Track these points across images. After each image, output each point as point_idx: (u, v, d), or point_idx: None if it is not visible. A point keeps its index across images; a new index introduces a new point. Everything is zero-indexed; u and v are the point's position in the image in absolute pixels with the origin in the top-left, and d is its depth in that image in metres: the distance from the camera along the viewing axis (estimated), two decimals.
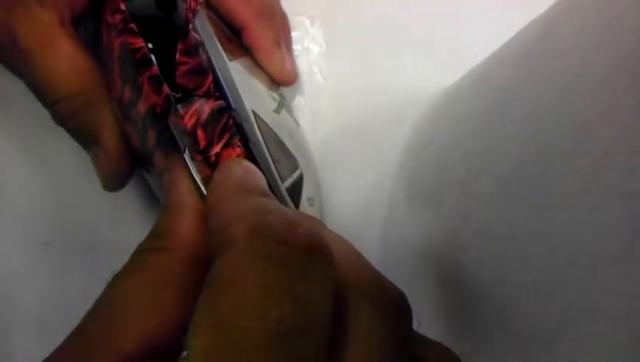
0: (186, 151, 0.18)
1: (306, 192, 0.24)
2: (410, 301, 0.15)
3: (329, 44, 0.30)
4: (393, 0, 0.30)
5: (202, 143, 0.18)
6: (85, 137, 0.22)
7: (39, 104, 0.22)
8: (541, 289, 0.12)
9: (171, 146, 0.19)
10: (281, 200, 0.20)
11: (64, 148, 0.27)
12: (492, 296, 0.15)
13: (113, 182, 0.22)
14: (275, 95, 0.26)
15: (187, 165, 0.18)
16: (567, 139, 0.12)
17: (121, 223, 0.29)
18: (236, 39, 0.26)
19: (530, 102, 0.14)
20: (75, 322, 0.30)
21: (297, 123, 0.29)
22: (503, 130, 0.15)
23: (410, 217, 0.24)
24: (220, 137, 0.18)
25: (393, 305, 0.14)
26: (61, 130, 0.23)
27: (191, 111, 0.18)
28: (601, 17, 0.12)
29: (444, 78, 0.25)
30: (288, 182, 0.21)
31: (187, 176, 0.17)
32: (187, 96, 0.18)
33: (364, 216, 0.29)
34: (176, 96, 0.18)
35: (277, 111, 0.25)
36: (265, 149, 0.20)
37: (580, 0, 0.14)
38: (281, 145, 0.23)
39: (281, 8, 0.28)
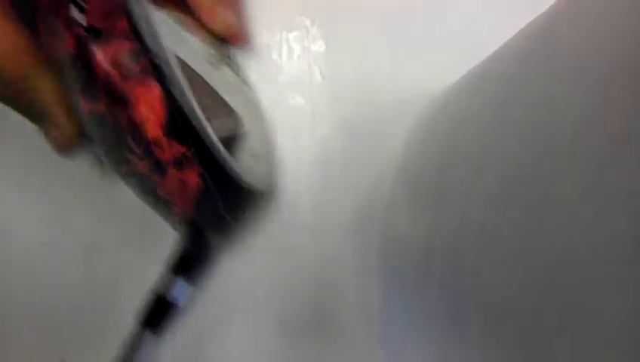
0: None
1: (249, 147, 0.24)
2: (410, 301, 0.15)
3: (329, 44, 0.30)
4: (393, 0, 0.30)
5: (117, 82, 0.18)
6: (34, 115, 0.22)
7: None
8: (541, 289, 0.12)
9: (89, 93, 0.19)
10: (209, 144, 0.20)
11: None
12: (492, 296, 0.15)
13: (67, 150, 0.23)
14: (216, 52, 0.26)
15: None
16: (567, 139, 0.12)
17: (120, 223, 0.29)
18: None
19: (529, 102, 0.14)
20: (75, 322, 0.30)
21: (249, 86, 0.28)
22: (503, 130, 0.15)
23: (410, 217, 0.24)
24: (135, 76, 0.18)
25: None
26: None
27: (105, 51, 0.18)
28: (601, 18, 0.12)
29: (444, 78, 0.25)
30: (223, 132, 0.21)
31: None
32: (99, 36, 0.18)
33: (364, 216, 0.29)
34: (90, 35, 0.18)
35: (214, 65, 0.25)
36: (185, 88, 0.19)
37: (580, 1, 0.14)
38: (215, 95, 0.23)
39: None
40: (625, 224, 0.10)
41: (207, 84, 0.22)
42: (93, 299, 0.29)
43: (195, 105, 0.20)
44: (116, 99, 0.18)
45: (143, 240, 0.29)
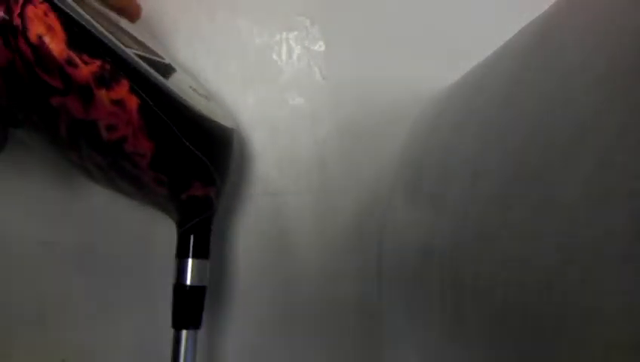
0: None
1: (186, 81, 0.24)
2: (409, 300, 0.15)
3: (329, 44, 0.30)
4: (393, 0, 0.30)
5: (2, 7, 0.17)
6: None
7: None
8: (541, 289, 0.12)
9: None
10: (122, 53, 0.19)
11: None
12: (492, 296, 0.15)
13: None
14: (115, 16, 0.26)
15: None
16: (567, 139, 0.12)
17: (120, 224, 0.29)
18: None
19: (529, 102, 0.14)
20: (76, 322, 0.30)
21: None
22: (503, 130, 0.15)
23: (410, 217, 0.24)
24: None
25: None
26: None
27: None
28: (601, 17, 0.12)
29: (444, 78, 0.25)
30: (140, 52, 0.21)
31: None
32: None
33: (364, 216, 0.29)
34: None
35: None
36: (80, 9, 0.19)
37: (580, 0, 0.14)
38: (117, 27, 0.22)
39: None
40: (624, 223, 0.10)
41: (110, 18, 0.22)
42: (94, 298, 0.29)
43: (96, 23, 0.19)
44: (7, 30, 0.17)
45: (141, 240, 0.29)
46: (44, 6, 0.18)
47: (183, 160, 0.22)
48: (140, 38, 0.23)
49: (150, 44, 0.24)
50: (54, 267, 0.29)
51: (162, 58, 0.24)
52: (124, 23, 0.25)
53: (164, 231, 0.29)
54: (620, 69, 0.11)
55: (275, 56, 0.30)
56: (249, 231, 0.29)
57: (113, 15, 0.25)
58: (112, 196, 0.25)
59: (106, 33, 0.19)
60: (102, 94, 0.19)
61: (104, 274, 0.29)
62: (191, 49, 0.29)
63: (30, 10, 0.18)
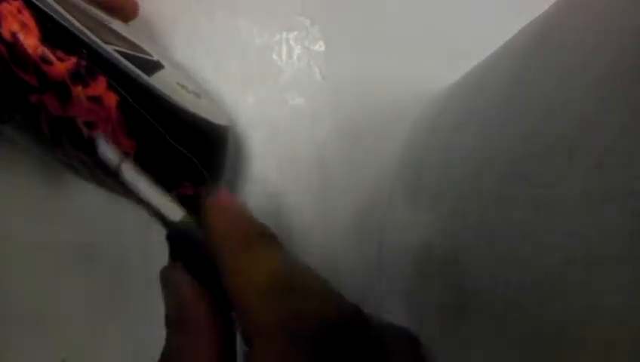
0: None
1: (174, 78, 0.24)
2: (410, 300, 0.15)
3: (329, 44, 0.30)
4: (393, 0, 0.30)
5: None
6: None
7: None
8: (541, 290, 0.12)
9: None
10: (99, 48, 0.19)
11: None
12: (492, 296, 0.15)
13: None
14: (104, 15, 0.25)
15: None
16: (567, 139, 0.12)
17: (119, 223, 0.29)
18: None
19: (529, 102, 0.14)
20: (75, 322, 0.30)
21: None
22: (503, 130, 0.15)
23: (410, 217, 0.24)
24: None
25: None
26: None
27: None
28: (601, 17, 0.12)
29: (444, 78, 0.25)
30: (123, 47, 0.21)
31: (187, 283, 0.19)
32: None
33: (364, 216, 0.29)
34: None
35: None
36: (57, 5, 0.19)
37: (580, 1, 0.14)
38: (100, 23, 0.22)
39: None
40: (624, 223, 0.10)
41: (90, 14, 0.22)
42: (94, 298, 0.29)
43: (69, 15, 0.19)
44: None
45: (139, 239, 0.29)
46: (18, 3, 0.18)
47: (169, 158, 0.22)
48: (128, 36, 0.23)
49: (140, 42, 0.24)
50: (54, 267, 0.29)
51: (150, 55, 0.23)
52: (116, 22, 0.25)
53: (161, 230, 0.29)
54: (619, 69, 0.11)
55: (275, 56, 0.30)
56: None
57: (100, 13, 0.24)
58: (110, 196, 0.25)
59: (84, 29, 0.19)
60: (78, 91, 0.19)
61: (103, 273, 0.29)
62: (190, 49, 0.29)
63: (4, 8, 0.18)
